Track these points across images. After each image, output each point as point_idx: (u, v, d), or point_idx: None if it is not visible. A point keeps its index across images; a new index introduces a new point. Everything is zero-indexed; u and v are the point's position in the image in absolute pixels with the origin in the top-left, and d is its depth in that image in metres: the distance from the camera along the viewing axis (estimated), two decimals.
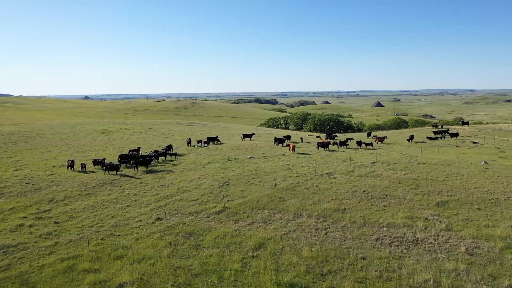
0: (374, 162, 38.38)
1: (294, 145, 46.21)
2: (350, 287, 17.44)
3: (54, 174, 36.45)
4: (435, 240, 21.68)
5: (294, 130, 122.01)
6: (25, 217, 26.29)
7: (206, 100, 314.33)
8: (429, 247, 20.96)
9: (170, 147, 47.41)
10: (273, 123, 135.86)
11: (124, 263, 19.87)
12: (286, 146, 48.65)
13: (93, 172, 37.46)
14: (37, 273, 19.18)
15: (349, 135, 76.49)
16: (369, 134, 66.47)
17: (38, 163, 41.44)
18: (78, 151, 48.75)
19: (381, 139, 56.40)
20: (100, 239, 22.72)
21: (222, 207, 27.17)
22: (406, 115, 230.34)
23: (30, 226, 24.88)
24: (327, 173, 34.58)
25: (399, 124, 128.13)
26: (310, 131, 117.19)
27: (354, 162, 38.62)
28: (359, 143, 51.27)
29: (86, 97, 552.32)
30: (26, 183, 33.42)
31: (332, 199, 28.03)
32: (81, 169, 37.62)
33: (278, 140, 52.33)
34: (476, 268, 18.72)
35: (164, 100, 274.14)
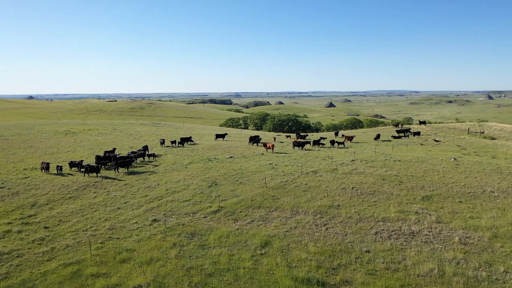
0: (353, 160, 39.75)
1: (273, 145, 46.82)
2: (363, 279, 18.19)
3: (28, 177, 34.53)
4: (429, 232, 23.03)
5: (254, 130, 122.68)
6: (10, 223, 24.85)
7: (161, 100, 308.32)
8: (425, 238, 22.24)
9: (146, 148, 46.34)
10: (232, 123, 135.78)
11: (132, 266, 19.45)
12: (262, 145, 49.13)
13: (71, 174, 35.89)
14: (41, 280, 18.34)
15: (319, 134, 78.17)
16: (336, 134, 68.44)
17: (6, 166, 39.04)
18: (46, 153, 46.40)
19: (350, 138, 58.38)
20: (100, 243, 22.03)
21: (217, 207, 27.15)
22: (358, 115, 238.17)
23: (19, 232, 23.58)
24: (312, 171, 35.40)
25: (355, 124, 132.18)
26: (269, 131, 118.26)
27: (334, 161, 39.78)
28: (332, 142, 52.98)
29: (31, 97, 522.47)
30: (1, 187, 31.47)
31: (324, 196, 28.82)
32: (57, 171, 35.89)
33: (253, 140, 52.75)
34: (472, 256, 20.15)
35: (116, 101, 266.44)
